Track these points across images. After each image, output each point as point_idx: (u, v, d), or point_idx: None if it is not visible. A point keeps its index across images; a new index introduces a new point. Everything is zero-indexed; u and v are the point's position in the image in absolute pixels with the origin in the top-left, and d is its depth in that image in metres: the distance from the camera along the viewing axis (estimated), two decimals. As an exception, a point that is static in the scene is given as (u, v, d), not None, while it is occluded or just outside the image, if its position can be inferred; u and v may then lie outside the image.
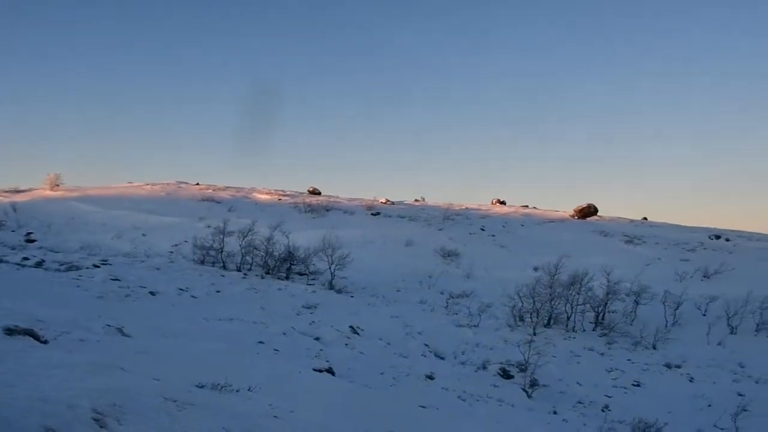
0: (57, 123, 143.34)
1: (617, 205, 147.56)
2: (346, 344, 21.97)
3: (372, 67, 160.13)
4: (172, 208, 43.78)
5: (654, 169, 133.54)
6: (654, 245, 43.41)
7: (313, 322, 23.79)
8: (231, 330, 20.01)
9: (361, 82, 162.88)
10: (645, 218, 54.23)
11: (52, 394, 5.51)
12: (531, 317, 28.76)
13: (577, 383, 22.45)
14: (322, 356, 19.46)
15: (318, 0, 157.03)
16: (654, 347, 26.91)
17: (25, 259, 28.79)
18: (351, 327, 23.67)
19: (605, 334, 28.42)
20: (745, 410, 18.76)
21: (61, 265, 28.31)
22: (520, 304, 29.00)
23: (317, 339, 21.60)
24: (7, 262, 27.89)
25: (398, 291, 31.80)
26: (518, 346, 22.94)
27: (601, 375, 23.87)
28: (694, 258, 40.19)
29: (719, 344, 27.48)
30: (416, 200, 56.63)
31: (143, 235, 37.10)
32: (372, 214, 47.31)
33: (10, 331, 8.95)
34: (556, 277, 30.48)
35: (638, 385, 23.08)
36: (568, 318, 29.38)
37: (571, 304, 29.58)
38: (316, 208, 47.00)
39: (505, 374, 22.09)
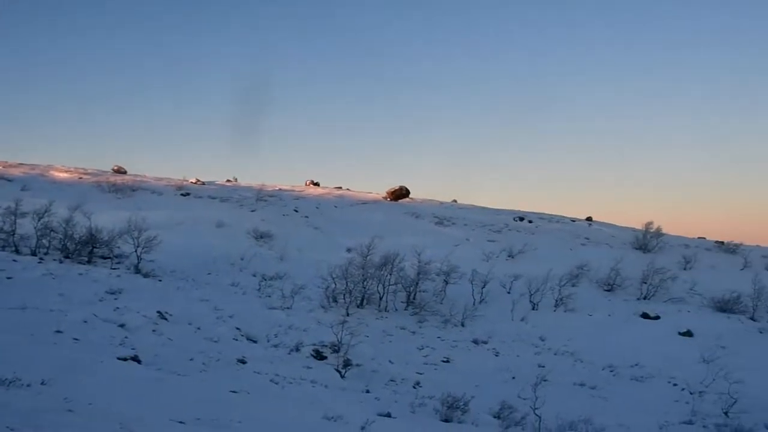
0: None
1: (429, 186, 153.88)
2: (154, 330, 21.14)
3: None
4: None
5: (464, 153, 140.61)
6: (463, 226, 45.96)
7: (118, 308, 22.49)
8: (23, 319, 18.52)
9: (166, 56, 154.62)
10: (455, 200, 56.97)
11: None
12: (344, 298, 29.37)
13: (390, 362, 23.36)
14: (127, 344, 18.63)
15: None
16: (462, 324, 28.62)
17: None
18: (159, 312, 22.72)
19: (416, 313, 29.76)
20: (545, 380, 20.61)
21: None
22: (333, 286, 29.49)
23: (122, 326, 20.57)
24: None
25: (209, 274, 31.02)
26: (331, 327, 23.36)
27: (413, 353, 25.02)
28: (500, 239, 43.12)
29: (522, 320, 29.87)
30: (228, 181, 55.34)
31: None
32: (182, 194, 45.61)
33: None
34: (368, 258, 31.34)
35: (448, 362, 24.48)
36: (381, 298, 30.37)
37: (384, 285, 30.58)
38: (121, 187, 44.34)
39: (319, 355, 22.43)
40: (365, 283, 30.32)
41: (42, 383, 9.29)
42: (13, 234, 29.90)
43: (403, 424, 15.75)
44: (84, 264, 29.16)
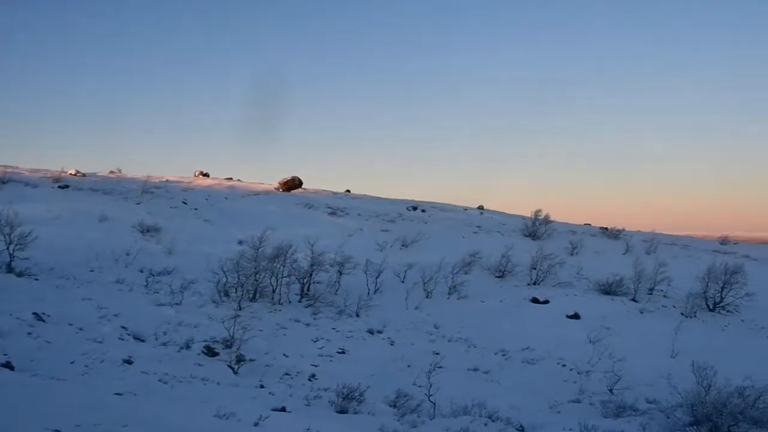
0: None
1: (323, 177, 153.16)
2: (29, 333, 19.72)
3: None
4: None
5: (357, 142, 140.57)
6: (356, 216, 45.96)
7: (-13, 311, 20.84)
8: None
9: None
10: (348, 191, 56.90)
11: None
12: (236, 292, 28.57)
13: (284, 355, 22.94)
14: (-3, 350, 17.26)
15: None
16: (357, 315, 28.55)
17: None
18: (35, 314, 21.22)
19: (311, 305, 29.41)
20: (440, 367, 20.87)
21: None
22: (224, 279, 28.64)
23: (-8, 330, 19.07)
24: None
25: (92, 271, 29.35)
26: (223, 322, 22.67)
27: (308, 345, 24.68)
28: (394, 228, 43.41)
29: (416, 308, 30.15)
30: (112, 172, 52.59)
31: None
32: (60, 187, 42.89)
33: None
34: (260, 250, 30.63)
35: (343, 353, 24.33)
36: (274, 291, 29.80)
37: (277, 277, 30.02)
38: (-11, 180, 41.29)
39: (210, 352, 21.70)
40: (258, 275, 29.60)
41: None
42: None
43: (298, 417, 15.44)
44: (-52, 264, 26.90)
